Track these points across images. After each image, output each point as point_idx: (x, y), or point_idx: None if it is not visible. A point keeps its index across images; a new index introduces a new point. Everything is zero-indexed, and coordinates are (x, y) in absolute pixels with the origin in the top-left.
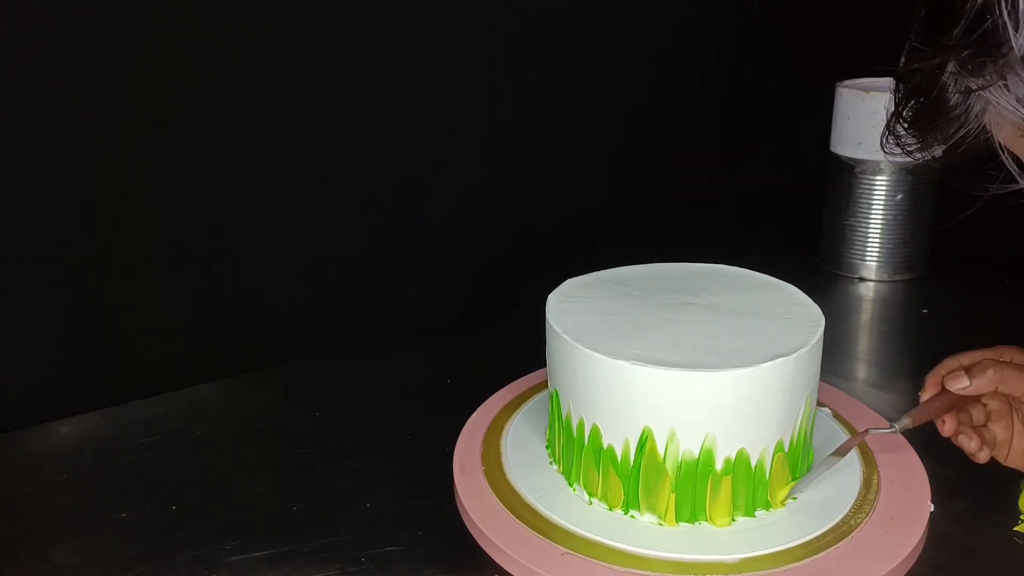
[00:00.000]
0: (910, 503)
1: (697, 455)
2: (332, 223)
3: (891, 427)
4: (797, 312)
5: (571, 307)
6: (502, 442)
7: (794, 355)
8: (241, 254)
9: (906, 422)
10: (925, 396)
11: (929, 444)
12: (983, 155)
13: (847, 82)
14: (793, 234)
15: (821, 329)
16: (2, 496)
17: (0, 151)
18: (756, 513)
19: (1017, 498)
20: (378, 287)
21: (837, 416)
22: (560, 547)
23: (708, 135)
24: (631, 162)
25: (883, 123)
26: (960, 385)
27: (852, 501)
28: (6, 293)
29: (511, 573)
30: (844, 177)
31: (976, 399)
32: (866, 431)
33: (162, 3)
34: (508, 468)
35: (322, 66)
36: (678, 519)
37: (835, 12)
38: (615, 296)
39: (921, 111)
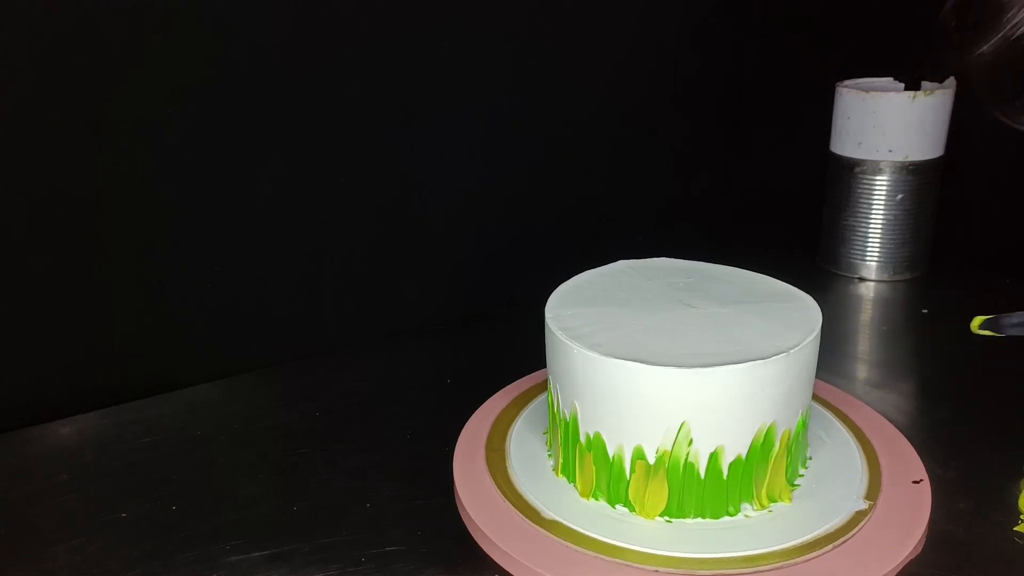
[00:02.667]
0: (910, 503)
1: (697, 452)
2: (331, 223)
3: None
4: (795, 309)
5: (570, 307)
6: (503, 442)
7: (793, 350)
8: (241, 254)
9: None
10: None
11: (929, 444)
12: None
13: (847, 82)
14: (793, 234)
15: (819, 324)
16: (2, 496)
17: (0, 150)
18: (755, 511)
19: (1017, 498)
20: (378, 287)
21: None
22: (566, 544)
23: (708, 134)
24: (631, 161)
25: (883, 123)
26: None
27: (853, 500)
28: (6, 293)
29: (511, 573)
30: (844, 177)
31: None
32: None
33: (162, 2)
34: (509, 468)
35: (322, 65)
36: (678, 516)
37: (835, 12)
38: (614, 295)
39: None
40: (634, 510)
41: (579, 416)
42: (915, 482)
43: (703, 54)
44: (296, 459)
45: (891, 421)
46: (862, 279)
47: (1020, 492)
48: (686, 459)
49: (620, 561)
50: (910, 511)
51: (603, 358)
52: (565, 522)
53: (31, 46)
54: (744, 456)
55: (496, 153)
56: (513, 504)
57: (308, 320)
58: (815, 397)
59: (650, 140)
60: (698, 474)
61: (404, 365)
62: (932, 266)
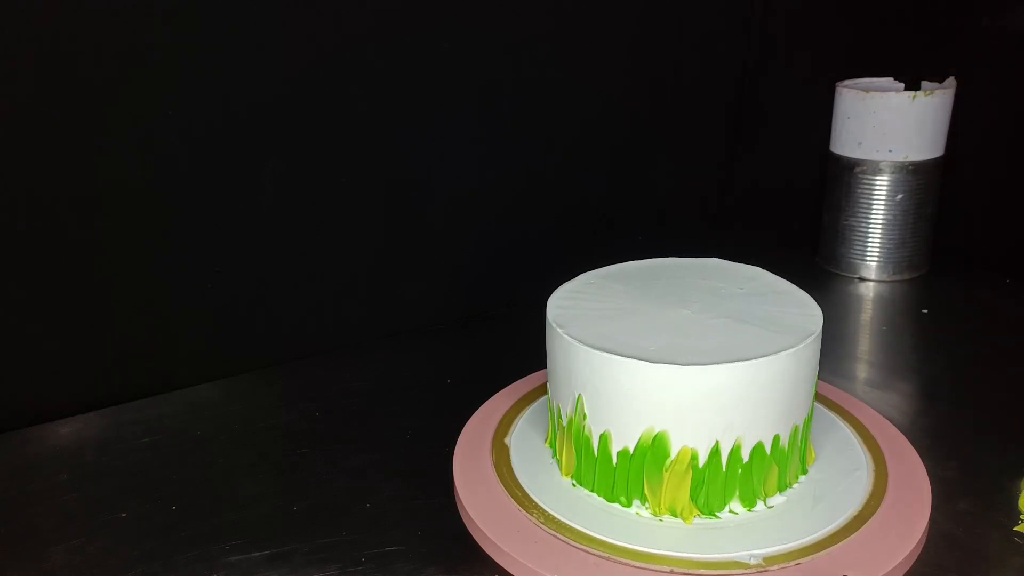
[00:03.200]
0: (910, 503)
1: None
2: (332, 223)
3: None
4: (796, 308)
5: (571, 306)
6: (503, 442)
7: (795, 349)
8: (241, 254)
9: None
10: None
11: (929, 444)
12: None
13: (847, 82)
14: (793, 234)
15: (819, 324)
16: (2, 496)
17: (0, 151)
18: (755, 510)
19: (1017, 498)
20: (378, 287)
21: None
22: (566, 543)
23: (708, 134)
24: (631, 161)
25: (883, 123)
26: None
27: (854, 501)
28: (6, 293)
29: (511, 573)
30: (844, 177)
31: None
32: None
33: (161, 2)
34: (509, 467)
35: (321, 67)
36: (579, 484)
37: (835, 12)
38: (615, 294)
39: None
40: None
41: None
42: None
43: (703, 54)
44: (296, 459)
45: (891, 421)
46: (862, 279)
47: (1020, 492)
48: (582, 432)
49: (622, 561)
50: (910, 511)
51: (551, 321)
52: (567, 521)
53: (31, 46)
54: (631, 452)
55: (496, 153)
56: (515, 505)
57: (308, 320)
58: (817, 396)
59: (650, 140)
60: (592, 450)
61: (404, 365)
62: (932, 266)
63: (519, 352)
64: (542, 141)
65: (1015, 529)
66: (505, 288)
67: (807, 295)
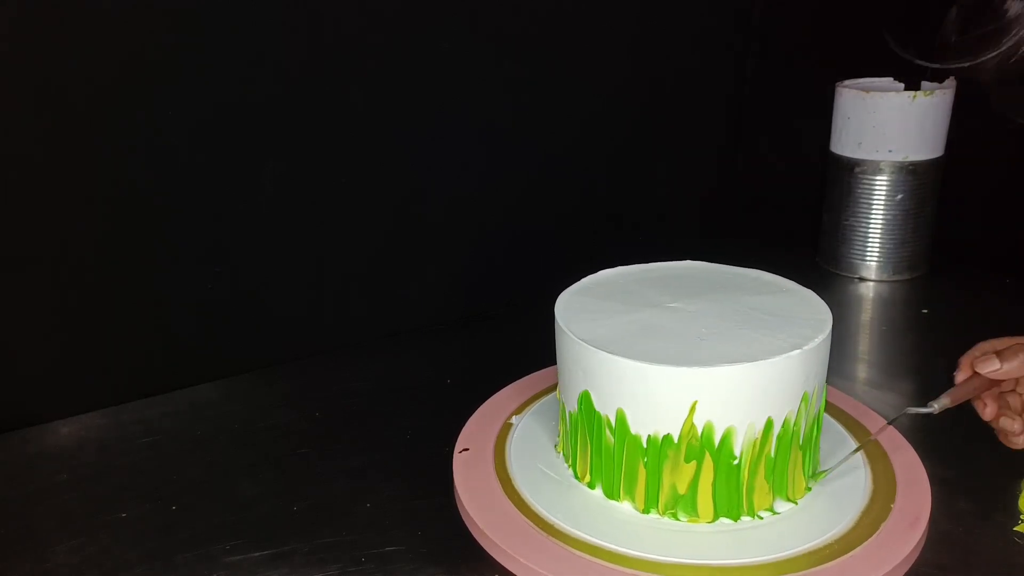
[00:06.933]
0: (910, 503)
1: (706, 453)
2: (332, 223)
3: (930, 407)
4: (806, 311)
5: (579, 309)
6: (503, 442)
7: (804, 349)
8: (241, 255)
9: (944, 402)
10: (959, 378)
11: (929, 444)
12: None
13: (847, 82)
14: (793, 234)
15: (829, 326)
16: (2, 496)
17: (0, 151)
18: (759, 514)
19: (1017, 498)
20: (378, 287)
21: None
22: (564, 544)
23: (708, 135)
24: (631, 162)
25: (883, 123)
26: (990, 368)
27: (857, 502)
28: (6, 293)
29: (511, 573)
30: (844, 177)
31: (1012, 386)
32: (904, 412)
33: (161, 2)
34: (509, 468)
35: (321, 67)
36: (682, 518)
37: (835, 12)
38: (621, 296)
39: (976, 16)
40: (667, 516)
41: (612, 426)
42: None
43: (703, 55)
44: (296, 459)
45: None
46: (862, 279)
47: (1020, 492)
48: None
49: (616, 567)
50: (910, 511)
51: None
52: (563, 524)
53: (32, 47)
54: (798, 448)
55: (496, 153)
56: (515, 505)
57: (308, 320)
58: None
59: (650, 141)
60: (738, 473)
61: (404, 365)
62: (932, 266)
63: (519, 352)
64: (542, 141)
65: (1015, 529)
66: (505, 288)
67: (795, 283)
